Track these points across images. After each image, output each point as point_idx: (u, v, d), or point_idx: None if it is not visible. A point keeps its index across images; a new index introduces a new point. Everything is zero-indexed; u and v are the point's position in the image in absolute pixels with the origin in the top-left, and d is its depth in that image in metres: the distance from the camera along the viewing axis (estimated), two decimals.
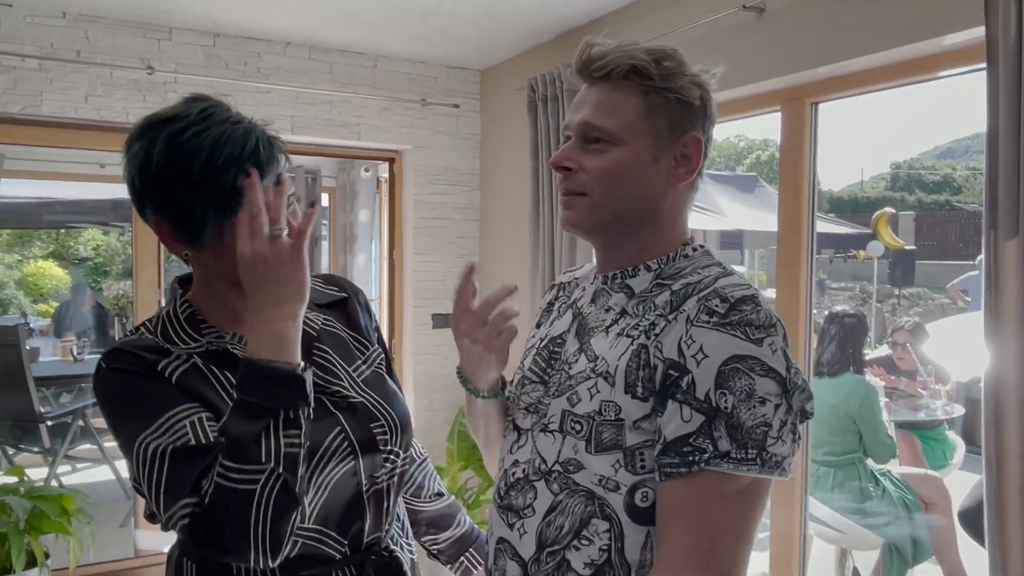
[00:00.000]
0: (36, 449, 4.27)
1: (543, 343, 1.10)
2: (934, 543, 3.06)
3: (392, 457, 1.12)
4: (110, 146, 3.24)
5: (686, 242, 1.03)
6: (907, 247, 13.24)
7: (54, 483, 4.03)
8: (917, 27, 1.92)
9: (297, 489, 0.92)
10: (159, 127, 0.99)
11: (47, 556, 2.93)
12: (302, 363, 0.95)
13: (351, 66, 3.53)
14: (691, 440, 0.85)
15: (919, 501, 3.09)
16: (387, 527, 1.14)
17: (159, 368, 0.99)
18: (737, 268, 1.02)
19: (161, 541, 3.48)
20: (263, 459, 0.89)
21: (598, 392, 0.94)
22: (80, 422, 4.26)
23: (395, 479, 1.14)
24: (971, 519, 2.98)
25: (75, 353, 4.94)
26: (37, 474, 3.21)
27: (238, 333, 1.06)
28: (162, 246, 2.29)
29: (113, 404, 0.99)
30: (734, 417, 0.84)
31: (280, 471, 0.90)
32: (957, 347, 4.13)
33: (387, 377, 1.21)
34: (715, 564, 0.84)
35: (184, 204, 0.98)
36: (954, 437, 3.82)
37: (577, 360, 1.00)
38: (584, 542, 0.92)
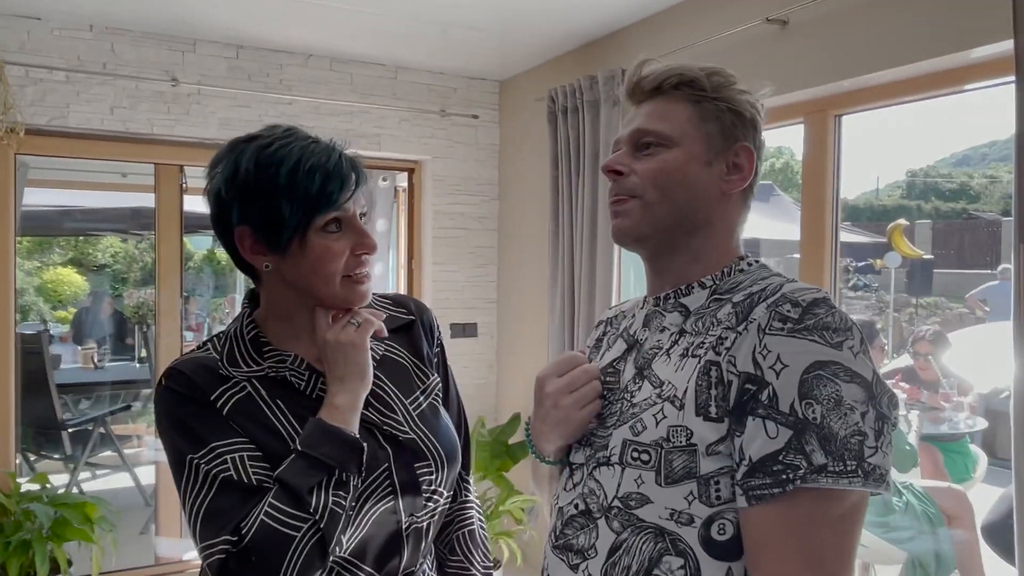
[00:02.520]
0: (57, 456, 4.31)
1: None
2: (958, 558, 3.02)
3: (435, 497, 1.12)
4: (135, 157, 3.29)
5: (741, 256, 0.99)
6: (924, 256, 13.14)
7: (75, 490, 4.06)
8: (944, 40, 1.91)
9: (330, 548, 0.97)
10: (246, 143, 1.05)
11: (70, 564, 2.96)
12: (358, 438, 1.03)
13: (371, 77, 3.56)
14: (781, 457, 0.78)
15: (941, 515, 3.06)
16: (422, 561, 1.15)
17: (212, 398, 1.02)
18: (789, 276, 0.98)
19: (180, 549, 3.50)
20: (311, 508, 0.95)
21: (664, 417, 0.87)
22: (101, 429, 4.30)
23: (435, 518, 1.14)
24: (996, 533, 2.95)
25: (95, 361, 4.99)
26: (58, 480, 3.24)
27: (299, 356, 1.09)
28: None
29: (166, 421, 1.03)
30: (825, 428, 0.77)
31: (322, 526, 0.95)
32: (978, 358, 4.08)
33: (441, 408, 1.21)
34: None
35: (270, 209, 1.01)
36: (976, 450, 3.79)
37: (640, 388, 0.94)
38: None
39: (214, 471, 0.97)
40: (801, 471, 0.77)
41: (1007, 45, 1.70)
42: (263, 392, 1.05)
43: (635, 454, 0.89)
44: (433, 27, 3.07)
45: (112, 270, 10.83)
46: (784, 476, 0.78)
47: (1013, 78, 1.68)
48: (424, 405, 1.16)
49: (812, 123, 2.38)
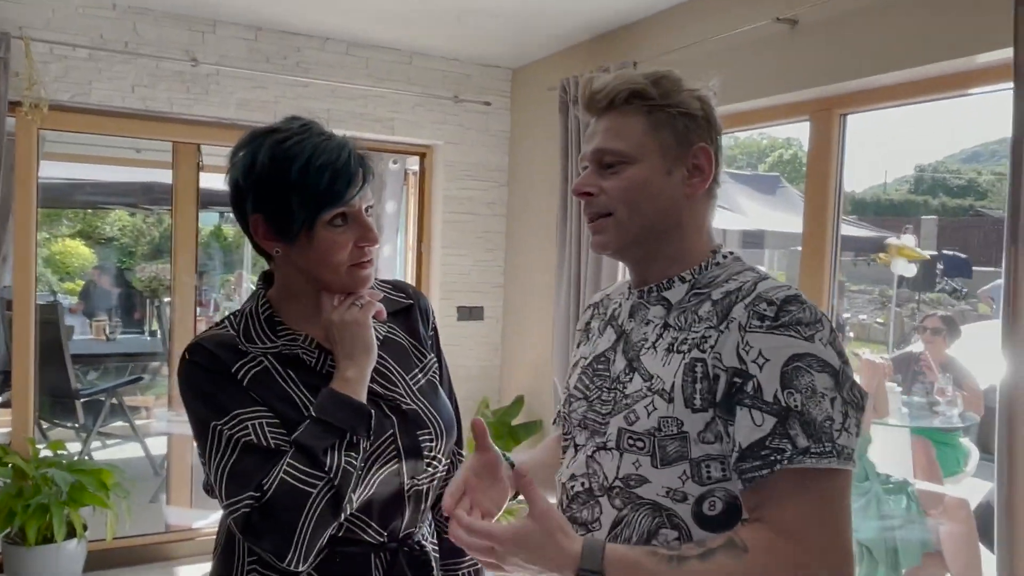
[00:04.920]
0: (70, 424, 4.41)
1: (588, 362, 1.13)
2: (947, 551, 3.11)
3: (434, 463, 1.22)
4: (154, 134, 3.36)
5: (715, 250, 1.07)
6: (929, 254, 13.17)
7: (87, 458, 4.16)
8: (948, 45, 1.97)
9: (342, 505, 1.06)
10: (264, 137, 1.12)
11: (85, 528, 3.06)
12: (367, 405, 1.12)
13: (387, 62, 3.61)
14: (768, 442, 0.88)
15: (927, 539, 3.12)
16: (421, 524, 1.24)
17: (233, 370, 1.11)
18: (760, 268, 1.06)
19: (190, 517, 3.60)
20: (326, 467, 1.04)
21: (655, 409, 0.96)
22: (113, 400, 4.39)
23: (435, 482, 1.24)
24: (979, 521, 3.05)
25: (107, 333, 5.08)
26: (70, 449, 3.33)
27: (309, 335, 1.18)
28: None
29: (190, 392, 1.12)
30: (806, 414, 0.87)
31: (336, 483, 1.05)
32: (983, 353, 4.14)
33: (438, 385, 1.31)
34: (825, 557, 0.86)
35: (282, 201, 1.10)
36: (968, 444, 3.86)
37: (631, 379, 1.02)
38: None
39: (237, 435, 1.06)
40: (787, 453, 0.87)
41: (1008, 53, 1.76)
42: (278, 366, 1.14)
43: (631, 441, 0.99)
44: (448, 14, 3.12)
45: (120, 243, 10.92)
46: (772, 458, 0.87)
47: (1012, 85, 1.75)
48: (423, 381, 1.26)
49: (818, 121, 2.44)
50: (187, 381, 1.12)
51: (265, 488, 1.03)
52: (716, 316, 0.97)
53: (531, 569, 0.93)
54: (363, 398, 1.12)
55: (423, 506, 1.22)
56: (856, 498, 3.11)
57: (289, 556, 1.02)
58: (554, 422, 1.32)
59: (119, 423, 4.59)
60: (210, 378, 1.10)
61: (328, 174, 1.09)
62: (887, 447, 3.60)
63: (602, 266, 3.05)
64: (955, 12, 1.95)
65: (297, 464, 1.04)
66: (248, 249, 9.42)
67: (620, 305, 1.13)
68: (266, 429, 1.08)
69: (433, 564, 1.23)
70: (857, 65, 2.21)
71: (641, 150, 1.02)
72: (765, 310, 0.92)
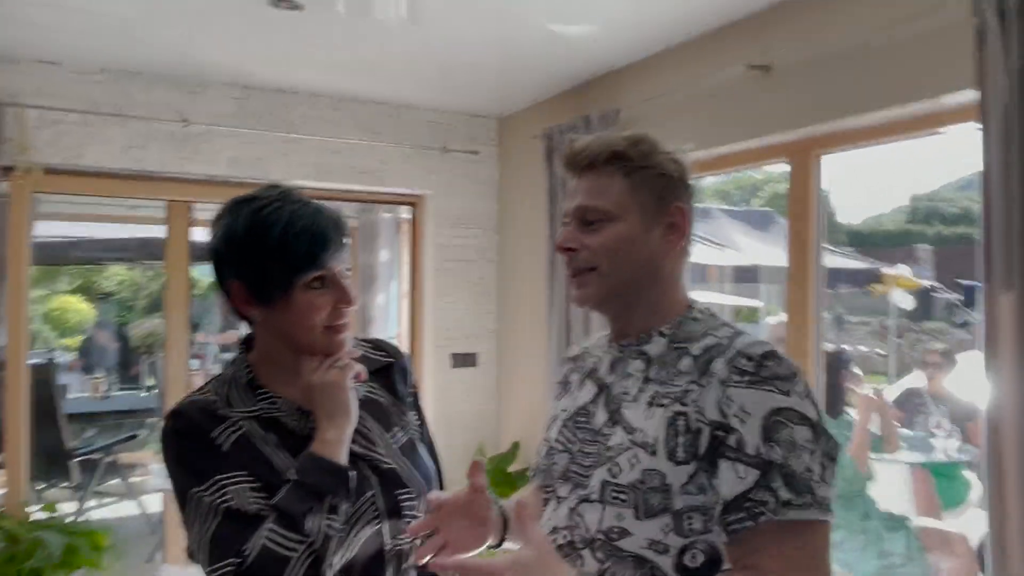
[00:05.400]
0: (65, 484, 4.39)
1: (568, 415, 1.16)
2: None
3: (414, 522, 1.22)
4: (146, 194, 3.40)
5: (690, 305, 1.11)
6: (926, 283, 13.20)
7: (82, 519, 4.13)
8: (916, 87, 2.02)
9: (324, 568, 1.07)
10: (242, 205, 1.16)
11: None
12: (347, 467, 1.12)
13: (375, 115, 3.68)
14: (750, 495, 0.90)
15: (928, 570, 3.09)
16: None
17: (212, 436, 1.13)
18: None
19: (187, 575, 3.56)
20: (305, 531, 1.05)
21: (639, 462, 0.98)
22: (109, 458, 4.38)
23: (417, 542, 1.23)
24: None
25: (104, 390, 5.08)
26: (65, 509, 3.31)
27: (289, 398, 1.20)
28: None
29: (170, 459, 1.13)
30: (787, 467, 0.90)
31: (316, 547, 1.06)
32: (977, 380, 4.14)
33: (417, 443, 1.31)
34: None
35: (260, 268, 1.13)
36: (970, 475, 3.83)
37: (613, 432, 1.05)
38: None
39: (217, 502, 1.07)
40: (770, 505, 0.90)
41: (975, 94, 1.80)
42: (259, 430, 1.16)
43: (614, 494, 1.00)
44: (432, 67, 3.20)
45: (118, 298, 10.96)
46: (756, 511, 0.90)
47: (980, 125, 1.79)
48: (403, 440, 1.28)
49: (795, 162, 2.48)
50: (167, 448, 1.13)
51: (246, 554, 1.03)
52: (696, 371, 1.00)
53: None
54: (344, 460, 1.13)
55: (404, 565, 1.22)
56: (856, 536, 3.09)
57: None
58: (531, 475, 1.32)
59: (115, 481, 4.56)
60: (189, 445, 1.12)
61: (305, 239, 1.13)
62: (887, 483, 3.58)
63: (591, 312, 3.07)
64: (922, 55, 2.00)
65: (277, 529, 1.05)
66: None
67: (600, 359, 1.16)
68: (247, 494, 1.09)
69: None
70: (830, 108, 2.26)
71: (622, 209, 1.07)
72: (745, 365, 0.96)
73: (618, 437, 1.03)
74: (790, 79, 2.38)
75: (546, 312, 3.39)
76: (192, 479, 1.09)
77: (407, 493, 1.21)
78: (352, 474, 1.13)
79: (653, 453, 0.98)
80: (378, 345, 1.36)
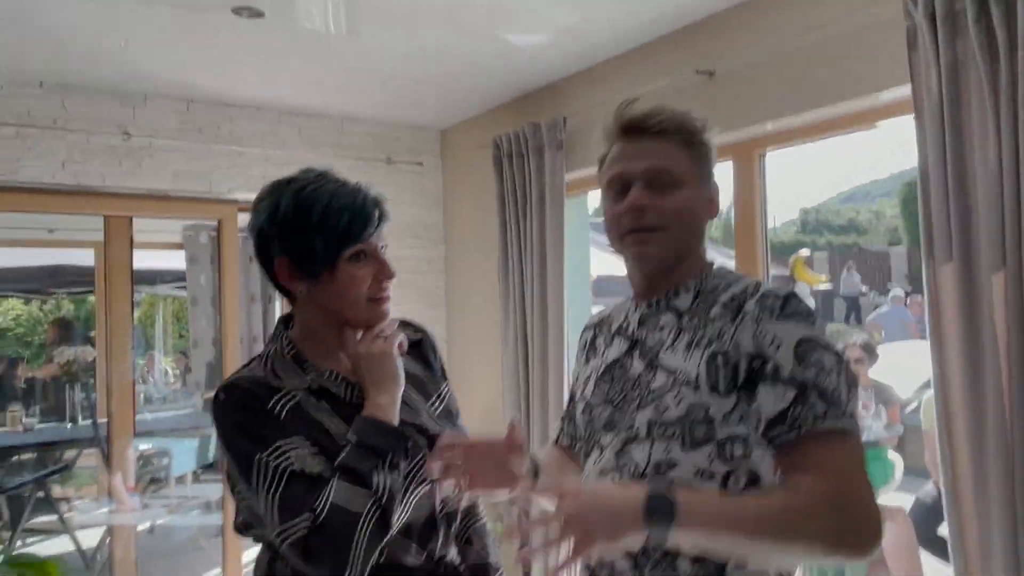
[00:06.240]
0: None
1: (601, 371, 1.23)
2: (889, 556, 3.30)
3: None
4: (86, 210, 3.29)
5: (710, 264, 1.22)
6: (825, 285, 14.03)
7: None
8: (853, 85, 2.22)
9: (390, 525, 1.11)
10: (284, 186, 1.22)
11: None
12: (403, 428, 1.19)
13: (319, 128, 3.69)
14: (790, 411, 1.01)
15: None
16: (452, 545, 1.28)
17: (269, 406, 1.16)
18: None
19: None
20: (373, 488, 1.10)
21: (684, 397, 1.07)
22: (39, 493, 4.13)
23: (461, 503, 1.29)
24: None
25: (24, 423, 4.78)
26: None
27: (334, 370, 1.24)
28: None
29: (230, 430, 1.15)
30: (820, 385, 1.01)
31: (383, 503, 1.10)
32: (893, 373, 4.46)
33: (453, 411, 1.38)
34: (851, 505, 0.97)
35: (305, 243, 1.18)
36: (895, 456, 4.12)
37: (654, 376, 1.13)
38: None
39: (282, 465, 1.11)
40: (809, 418, 1.01)
41: (907, 89, 2.00)
42: (311, 399, 1.20)
43: (661, 429, 1.09)
44: (374, 79, 3.23)
45: (14, 334, 10.31)
46: (798, 423, 1.01)
47: (913, 115, 1.99)
48: (440, 408, 1.35)
49: (739, 161, 2.66)
50: (226, 419, 1.16)
51: (318, 511, 1.07)
52: (729, 314, 1.10)
53: (595, 527, 0.94)
54: (396, 423, 1.18)
55: (454, 527, 1.27)
56: None
57: (346, 574, 1.06)
58: (557, 441, 1.39)
59: (46, 517, 4.31)
60: (248, 414, 1.15)
61: (347, 215, 1.19)
62: None
63: (548, 313, 3.16)
64: (857, 54, 2.20)
65: (346, 486, 1.09)
66: (159, 329, 9.09)
67: (626, 318, 1.25)
68: (308, 458, 1.12)
69: None
70: (771, 108, 2.45)
71: (689, 176, 1.16)
72: (773, 303, 1.07)
73: (660, 380, 1.11)
74: (733, 82, 2.55)
75: (500, 318, 3.46)
76: (255, 446, 1.12)
77: None
78: (408, 435, 1.18)
79: (696, 388, 1.07)
80: (406, 323, 1.41)
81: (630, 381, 1.16)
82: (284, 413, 1.15)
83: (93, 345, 5.44)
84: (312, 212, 1.18)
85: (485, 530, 1.43)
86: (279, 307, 5.80)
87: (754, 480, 1.06)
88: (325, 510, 1.07)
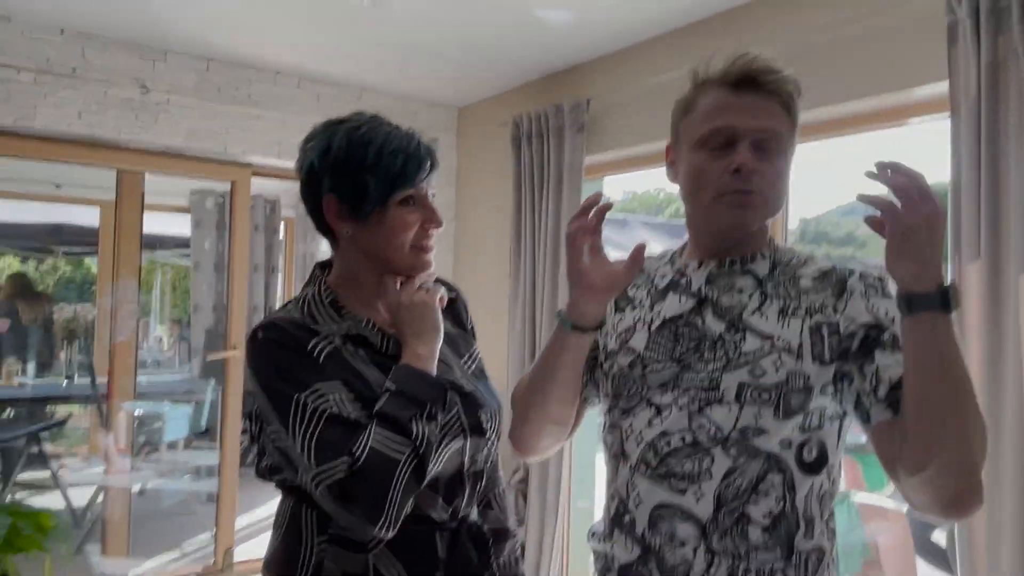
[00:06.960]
0: None
1: (657, 325, 1.16)
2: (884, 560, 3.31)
3: (490, 443, 1.26)
4: (99, 161, 3.25)
5: (772, 236, 1.20)
6: None
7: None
8: (888, 79, 2.20)
9: (425, 473, 1.09)
10: (337, 125, 1.20)
11: None
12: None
13: (337, 96, 3.65)
14: None
15: (866, 546, 3.31)
16: (477, 504, 1.26)
17: (308, 347, 1.13)
18: None
19: (126, 566, 3.40)
20: (412, 435, 1.08)
21: (783, 364, 1.05)
22: (35, 448, 4.10)
23: (489, 463, 1.27)
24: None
25: (19, 377, 4.75)
26: None
27: (371, 319, 1.22)
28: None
29: (267, 369, 1.12)
30: None
31: (420, 452, 1.08)
32: None
33: (484, 371, 1.36)
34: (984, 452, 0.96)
35: (358, 182, 1.16)
36: None
37: (742, 338, 1.09)
38: (762, 495, 1.05)
39: (321, 407, 1.08)
40: None
41: (944, 86, 1.99)
42: (348, 345, 1.17)
43: (755, 394, 1.06)
44: (395, 51, 3.20)
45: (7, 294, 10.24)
46: None
47: (948, 115, 1.98)
48: (473, 366, 1.33)
49: None
50: (264, 357, 1.13)
51: (356, 454, 1.05)
52: (830, 288, 1.10)
53: (941, 220, 0.92)
54: (434, 374, 1.17)
55: (480, 485, 1.25)
56: None
57: (381, 521, 1.04)
58: (585, 398, 1.29)
59: (39, 473, 4.27)
60: (287, 354, 1.12)
61: (401, 157, 1.17)
62: None
63: (559, 292, 3.15)
64: (893, 49, 2.18)
65: (385, 432, 1.07)
66: (155, 296, 9.03)
67: (682, 274, 1.19)
68: (346, 402, 1.10)
69: (491, 544, 1.25)
70: (804, 99, 2.42)
71: (788, 144, 1.11)
72: (875, 282, 1.09)
73: (753, 343, 1.08)
74: None
75: (510, 296, 3.44)
76: (294, 385, 1.09)
77: (485, 412, 1.24)
78: (447, 387, 1.16)
79: (799, 357, 1.05)
80: (442, 281, 1.39)
81: (707, 340, 1.11)
82: (322, 357, 1.13)
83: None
84: (367, 152, 1.16)
85: (505, 496, 1.42)
86: (281, 278, 5.78)
87: (823, 452, 1.07)
88: (364, 454, 1.05)
